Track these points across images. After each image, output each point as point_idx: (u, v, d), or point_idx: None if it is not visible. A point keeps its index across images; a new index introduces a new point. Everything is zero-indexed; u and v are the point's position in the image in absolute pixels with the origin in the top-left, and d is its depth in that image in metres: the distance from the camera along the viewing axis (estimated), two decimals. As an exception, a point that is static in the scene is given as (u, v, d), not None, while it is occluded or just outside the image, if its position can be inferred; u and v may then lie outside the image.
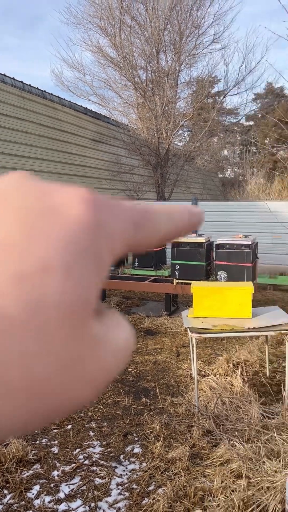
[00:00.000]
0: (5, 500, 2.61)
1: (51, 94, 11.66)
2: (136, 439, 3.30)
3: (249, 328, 3.71)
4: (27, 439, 3.29)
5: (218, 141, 21.21)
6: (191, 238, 7.40)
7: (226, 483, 2.61)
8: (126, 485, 2.76)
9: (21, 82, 10.42)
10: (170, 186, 14.79)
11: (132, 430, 3.43)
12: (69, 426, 3.50)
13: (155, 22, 13.68)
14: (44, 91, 11.35)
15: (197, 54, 15.12)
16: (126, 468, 2.95)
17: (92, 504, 2.58)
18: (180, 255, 7.33)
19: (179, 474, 2.76)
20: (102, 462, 3.01)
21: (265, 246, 9.67)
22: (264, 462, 2.76)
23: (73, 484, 2.78)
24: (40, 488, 2.74)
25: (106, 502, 2.60)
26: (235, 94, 16.92)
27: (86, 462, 3.02)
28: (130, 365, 4.83)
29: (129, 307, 7.50)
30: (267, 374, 4.49)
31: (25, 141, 10.07)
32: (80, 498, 2.65)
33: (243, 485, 2.56)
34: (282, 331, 3.67)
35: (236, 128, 26.87)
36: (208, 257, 7.36)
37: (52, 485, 2.77)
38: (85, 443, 3.25)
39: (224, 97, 16.74)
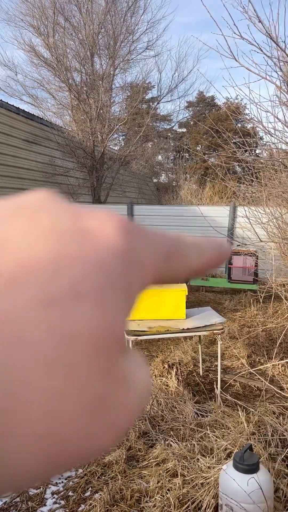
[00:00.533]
0: None
1: (-19, 91, 11.19)
2: (72, 445, 3.25)
3: (183, 329, 3.81)
4: None
5: (153, 146, 21.59)
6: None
7: (162, 483, 2.65)
8: (61, 493, 2.70)
9: None
10: (106, 189, 14.79)
11: (67, 437, 3.37)
12: (1, 437, 3.36)
13: (89, 25, 13.65)
14: (-27, 88, 10.87)
15: (131, 59, 15.30)
16: (62, 475, 2.89)
17: (26, 516, 2.50)
18: (116, 259, 7.34)
19: (116, 478, 2.76)
20: (36, 471, 2.93)
21: (198, 249, 9.96)
22: (198, 459, 2.84)
23: (5, 496, 2.67)
24: None
25: (41, 512, 2.53)
26: (169, 101, 17.38)
27: (20, 473, 2.91)
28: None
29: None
30: (201, 373, 4.63)
31: None
32: (14, 510, 2.55)
33: (178, 483, 2.61)
34: (215, 331, 3.80)
35: (169, 134, 27.53)
36: (143, 260, 7.45)
37: (-18, 500, 2.64)
38: (18, 454, 3.14)
39: (158, 103, 17.10)
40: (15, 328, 0.15)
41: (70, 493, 2.69)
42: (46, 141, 14.30)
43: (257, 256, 7.56)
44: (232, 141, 5.19)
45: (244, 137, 4.79)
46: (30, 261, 0.16)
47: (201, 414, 3.53)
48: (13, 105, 12.77)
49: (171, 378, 4.13)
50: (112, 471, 2.83)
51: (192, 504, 2.46)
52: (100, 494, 2.59)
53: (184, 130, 31.02)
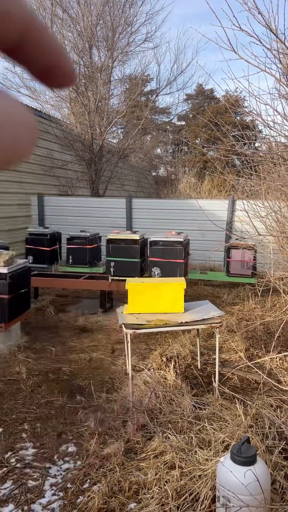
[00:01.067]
0: None
1: (-22, 83, 11.11)
2: (70, 438, 3.27)
3: (181, 322, 3.82)
4: None
5: (151, 139, 21.50)
6: (126, 235, 7.44)
7: (160, 475, 2.67)
8: (60, 485, 2.72)
9: None
10: (105, 182, 14.74)
11: (66, 429, 3.38)
12: (0, 429, 3.38)
13: (88, 17, 13.52)
14: (-29, 80, 10.79)
15: (130, 51, 15.18)
16: (61, 467, 2.91)
17: (25, 507, 2.51)
18: (115, 252, 7.35)
19: (114, 470, 2.78)
20: (35, 463, 2.95)
21: (196, 243, 9.97)
22: (196, 451, 2.86)
23: (4, 488, 2.69)
24: None
25: (40, 504, 2.55)
26: (167, 94, 17.27)
27: (19, 465, 2.93)
28: (64, 363, 4.77)
29: (63, 305, 7.38)
30: (199, 367, 4.65)
31: None
32: (12, 502, 2.57)
33: (176, 475, 2.63)
34: (213, 325, 3.81)
35: (168, 127, 27.40)
36: (142, 253, 7.45)
37: (-18, 492, 2.66)
38: (17, 446, 3.16)
39: (157, 96, 16.99)
40: None
41: (69, 485, 2.71)
42: (44, 134, 14.23)
43: (256, 249, 7.56)
44: (231, 134, 5.16)
45: (243, 130, 4.77)
46: None
47: (199, 407, 3.55)
48: (11, 98, 12.69)
49: (169, 371, 4.14)
50: (111, 463, 2.85)
51: (189, 496, 2.48)
52: (99, 486, 2.61)
53: (183, 123, 30.87)
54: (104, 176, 14.73)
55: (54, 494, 2.64)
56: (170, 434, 3.11)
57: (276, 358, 4.63)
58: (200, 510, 2.38)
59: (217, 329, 3.85)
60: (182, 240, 7.05)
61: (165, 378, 4.07)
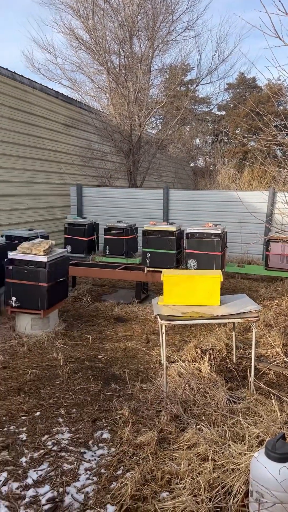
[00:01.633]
0: (-29, 488, 2.59)
1: (22, 76, 11.32)
2: (105, 424, 3.33)
3: (217, 316, 3.79)
4: (-5, 426, 3.26)
5: (190, 129, 21.23)
6: (162, 227, 7.43)
7: (193, 466, 2.68)
8: (94, 470, 2.78)
9: (-10, 62, 10.07)
10: (142, 174, 14.74)
11: (101, 416, 3.45)
12: (38, 413, 3.49)
13: (129, 6, 13.45)
14: (14, 72, 11.01)
15: (171, 40, 14.99)
16: (95, 453, 2.97)
17: (61, 489, 2.59)
18: (151, 243, 7.36)
19: (147, 459, 2.81)
20: (70, 448, 3.03)
21: (234, 235, 9.82)
22: (229, 445, 2.85)
23: (41, 470, 2.79)
24: (7, 475, 2.73)
25: (75, 487, 2.62)
26: (208, 83, 16.90)
27: (55, 448, 3.02)
28: (99, 352, 4.85)
29: (99, 295, 7.48)
30: (234, 360, 4.61)
31: (-6, 124, 9.78)
32: (48, 483, 2.65)
33: (209, 467, 2.63)
34: (249, 319, 3.76)
35: (208, 117, 26.96)
36: (178, 245, 7.42)
37: (20, 471, 2.76)
38: (53, 430, 3.25)
39: (197, 85, 16.74)
40: None
41: (103, 470, 2.77)
42: (84, 125, 14.37)
43: (296, 243, 7.36)
44: (273, 124, 5.02)
45: (286, 120, 4.63)
46: None
47: (233, 401, 3.52)
48: (52, 89, 12.86)
49: (203, 364, 4.13)
50: (144, 451, 2.89)
51: (222, 489, 2.47)
52: (132, 473, 2.65)
53: (223, 112, 30.31)
54: (142, 167, 14.73)
55: (88, 479, 2.70)
56: (203, 426, 3.10)
57: (315, 355, 4.51)
58: (232, 503, 2.38)
59: (254, 323, 3.80)
60: (219, 232, 6.96)
61: (200, 371, 4.06)
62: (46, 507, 2.45)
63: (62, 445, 3.05)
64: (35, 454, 2.95)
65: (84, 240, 9.09)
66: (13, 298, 5.19)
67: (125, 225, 8.82)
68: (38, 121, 11.72)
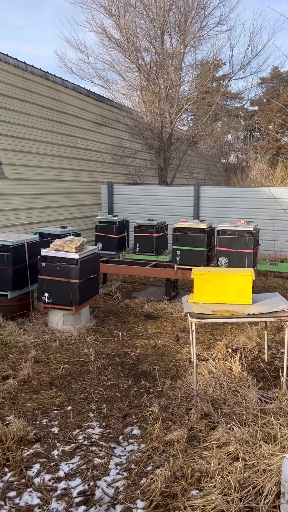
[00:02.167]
0: (5, 478, 2.67)
1: (54, 75, 11.50)
2: (135, 421, 3.35)
3: (249, 314, 3.74)
4: (28, 419, 3.34)
5: (222, 125, 20.98)
6: (193, 224, 7.38)
7: (223, 465, 2.66)
8: (124, 465, 2.81)
9: (24, 62, 10.28)
10: (173, 171, 14.69)
11: (131, 412, 3.48)
12: (69, 407, 3.55)
13: (160, 3, 13.40)
14: (47, 72, 11.20)
15: (202, 36, 14.84)
16: (125, 449, 3.00)
17: (91, 483, 2.63)
18: (182, 241, 7.33)
19: (177, 456, 2.81)
20: (101, 442, 3.07)
21: (266, 232, 9.65)
22: (260, 445, 2.81)
23: (72, 463, 2.84)
24: (40, 466, 2.79)
25: (105, 481, 2.66)
26: (240, 78, 16.64)
27: (86, 442, 3.07)
28: (130, 348, 4.88)
29: (129, 292, 7.53)
30: (266, 360, 4.54)
31: (28, 123, 9.98)
32: (79, 477, 2.70)
33: (239, 467, 2.61)
34: (282, 318, 3.69)
35: (240, 112, 26.54)
36: (209, 243, 7.36)
37: (52, 464, 2.82)
38: (84, 424, 3.30)
39: (229, 81, 16.49)
40: None
41: (133, 466, 2.79)
42: (115, 123, 14.45)
43: None
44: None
45: None
46: None
47: (265, 401, 3.47)
48: (84, 88, 13.00)
49: (234, 363, 4.09)
50: (174, 449, 2.89)
51: (253, 489, 2.45)
52: (161, 470, 2.66)
53: (256, 108, 29.76)
54: (172, 164, 14.68)
55: (118, 473, 2.73)
56: (234, 425, 3.08)
57: None
58: (263, 504, 2.35)
59: (287, 322, 3.72)
60: (251, 229, 6.85)
61: (230, 369, 4.02)
62: (77, 499, 2.50)
63: (93, 440, 3.10)
64: (67, 448, 3.00)
65: (114, 237, 9.16)
66: (46, 294, 5.29)
67: (155, 222, 8.82)
68: (70, 120, 11.88)
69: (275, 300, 4.11)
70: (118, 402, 3.66)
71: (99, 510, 2.42)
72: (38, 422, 3.33)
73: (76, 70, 15.00)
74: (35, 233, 7.23)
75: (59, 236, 7.02)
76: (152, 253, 8.73)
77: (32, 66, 10.62)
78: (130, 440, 3.09)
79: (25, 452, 2.93)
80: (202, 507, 2.34)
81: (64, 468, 2.78)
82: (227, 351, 4.49)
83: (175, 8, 13.79)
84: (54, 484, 2.63)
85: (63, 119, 11.55)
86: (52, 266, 5.27)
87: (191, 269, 4.37)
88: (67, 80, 12.11)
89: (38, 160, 10.16)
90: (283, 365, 3.89)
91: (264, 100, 27.57)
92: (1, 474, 2.70)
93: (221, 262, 6.94)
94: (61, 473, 2.73)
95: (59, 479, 2.67)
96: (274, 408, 3.31)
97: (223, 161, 26.97)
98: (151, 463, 2.80)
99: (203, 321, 3.67)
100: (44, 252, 5.36)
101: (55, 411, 3.50)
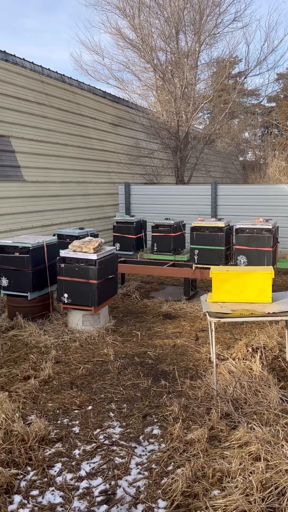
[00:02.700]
0: (28, 477, 2.70)
1: (70, 78, 11.60)
2: (155, 420, 3.35)
3: (269, 313, 3.70)
4: (49, 418, 3.38)
5: (239, 123, 20.80)
6: (211, 223, 7.34)
7: (245, 465, 2.64)
8: (145, 465, 2.81)
9: (40, 66, 10.40)
10: (190, 169, 14.63)
11: (151, 412, 3.48)
12: (90, 407, 3.58)
13: (175, 1, 13.37)
14: (63, 75, 11.30)
15: (218, 33, 14.73)
16: (146, 448, 3.00)
17: (113, 482, 2.65)
18: (199, 240, 7.30)
19: (198, 456, 2.80)
20: (122, 442, 3.08)
21: (286, 230, 9.52)
22: (282, 445, 2.78)
23: (93, 462, 2.86)
24: (62, 466, 2.82)
25: (126, 480, 2.67)
26: (257, 75, 16.51)
27: (106, 442, 3.09)
28: (149, 348, 4.88)
29: (148, 292, 7.53)
30: (287, 359, 4.48)
31: (45, 126, 10.09)
32: (101, 476, 2.72)
33: (261, 467, 2.58)
34: (303, 316, 3.63)
35: (257, 109, 26.25)
36: (227, 241, 7.31)
37: (73, 463, 2.85)
38: (105, 424, 3.32)
39: (245, 78, 16.33)
40: None
41: (154, 466, 2.79)
42: (131, 123, 14.48)
43: None
44: None
45: None
46: None
47: (286, 400, 3.43)
48: (100, 89, 13.07)
49: (255, 362, 4.05)
50: (194, 448, 2.88)
51: (275, 490, 2.42)
52: (182, 470, 2.66)
53: (273, 104, 29.38)
54: (189, 163, 14.62)
55: (139, 473, 2.74)
56: (255, 425, 3.05)
57: None
58: (286, 505, 2.32)
59: (308, 321, 3.67)
60: (270, 227, 6.78)
61: (251, 369, 3.99)
62: (99, 499, 2.51)
63: (114, 439, 3.11)
64: (88, 447, 3.02)
65: (132, 237, 9.18)
66: (65, 295, 5.34)
67: (172, 222, 8.81)
68: (86, 122, 11.96)
69: (295, 299, 4.06)
70: (138, 401, 3.66)
71: (120, 509, 2.43)
72: (59, 421, 3.36)
73: (92, 72, 15.10)
74: (54, 235, 7.31)
75: (77, 237, 7.08)
76: (169, 253, 8.72)
77: (49, 69, 10.74)
78: (151, 440, 3.10)
79: (47, 451, 2.96)
80: (224, 507, 2.32)
81: (86, 468, 2.80)
82: (247, 351, 4.45)
83: (189, 7, 13.73)
84: (76, 483, 2.65)
85: (80, 121, 11.63)
86: (71, 267, 5.32)
87: (209, 268, 4.35)
88: (83, 82, 12.19)
89: (55, 162, 10.27)
90: (304, 364, 3.84)
91: (282, 96, 27.20)
92: (24, 473, 2.74)
93: (240, 260, 6.88)
94: (82, 473, 2.75)
95: (80, 478, 2.70)
96: (296, 408, 3.26)
97: (241, 158, 26.72)
98: (172, 463, 2.79)
99: (222, 320, 3.65)
100: (63, 253, 5.42)
101: (75, 411, 3.53)
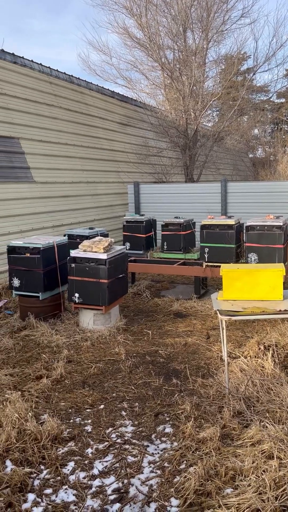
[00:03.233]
0: (41, 475, 2.72)
1: (78, 78, 11.64)
2: (167, 419, 3.36)
3: (280, 310, 3.67)
4: (62, 417, 3.40)
5: (248, 120, 20.67)
6: (221, 220, 7.31)
7: (257, 464, 2.63)
8: (158, 463, 2.82)
9: (49, 67, 10.45)
10: (199, 168, 14.59)
11: (163, 411, 3.48)
12: (102, 406, 3.59)
13: (182, -1, 13.33)
14: (71, 75, 11.34)
15: (226, 30, 14.66)
16: (158, 447, 3.01)
17: (125, 481, 2.65)
18: (210, 238, 7.27)
19: (210, 454, 2.80)
20: (134, 440, 3.09)
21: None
22: (295, 443, 2.75)
23: (106, 461, 2.87)
24: (74, 464, 2.84)
25: (139, 479, 2.67)
26: (266, 71, 16.40)
27: (119, 440, 3.09)
28: (160, 347, 4.88)
29: (158, 290, 7.53)
30: (299, 357, 4.44)
31: (54, 127, 10.14)
32: (114, 474, 2.73)
33: (274, 465, 2.57)
34: (315, 313, 3.60)
35: (266, 106, 26.06)
36: (238, 239, 7.27)
37: (86, 462, 2.86)
38: (117, 422, 3.33)
39: (254, 74, 16.21)
40: None
41: (166, 464, 2.79)
42: (140, 122, 14.48)
43: None
44: None
45: None
46: None
47: (299, 398, 3.40)
48: (108, 89, 13.09)
49: (267, 360, 4.02)
50: (207, 447, 2.87)
51: (288, 488, 2.40)
52: (195, 468, 2.65)
53: (283, 100, 29.11)
54: (198, 161, 14.58)
55: (152, 471, 2.74)
56: (268, 423, 3.03)
57: None
58: (300, 503, 2.30)
59: None
60: (281, 224, 6.73)
61: (263, 367, 3.96)
62: (112, 497, 2.52)
63: (126, 438, 3.12)
64: (100, 446, 3.04)
65: (142, 236, 9.19)
66: (76, 295, 5.37)
67: (182, 220, 8.79)
68: (95, 122, 11.99)
69: (307, 296, 4.02)
70: (150, 400, 3.67)
71: (133, 507, 2.43)
72: (71, 420, 3.38)
73: (100, 72, 15.16)
74: (64, 235, 7.35)
75: (87, 237, 7.11)
76: (180, 251, 8.70)
77: (57, 70, 10.79)
78: (163, 438, 3.10)
79: (59, 450, 2.98)
80: (237, 505, 2.32)
81: (98, 466, 2.81)
82: (259, 348, 4.42)
83: (196, 4, 13.69)
84: (89, 482, 2.66)
85: (89, 121, 11.67)
86: (82, 267, 5.34)
87: (219, 266, 4.33)
88: (91, 82, 12.22)
89: (65, 163, 10.31)
90: None
91: (291, 92, 26.92)
92: (37, 471, 2.76)
93: (251, 258, 6.84)
94: (95, 471, 2.76)
95: (93, 477, 2.71)
96: (309, 405, 3.24)
97: (250, 155, 26.55)
98: (184, 461, 2.79)
99: (234, 318, 3.64)
100: (73, 253, 5.44)
101: (88, 410, 3.54)
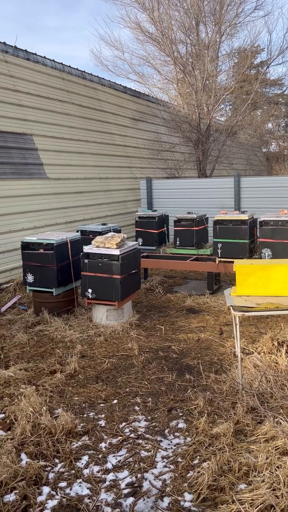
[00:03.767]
0: (56, 469, 2.76)
1: (91, 74, 11.63)
2: (180, 414, 3.36)
3: (294, 306, 3.64)
4: (76, 412, 3.43)
5: (262, 114, 20.44)
6: (234, 216, 7.26)
7: (271, 460, 2.62)
8: (171, 458, 2.83)
9: (61, 63, 10.46)
10: (212, 162, 14.49)
11: (176, 406, 3.49)
12: (115, 401, 3.61)
13: (194, -8, 13.21)
14: (84, 71, 11.34)
15: (239, 23, 14.49)
16: (171, 442, 3.02)
17: (139, 475, 2.67)
18: (223, 233, 7.23)
19: (224, 450, 2.80)
20: (147, 435, 3.10)
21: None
22: (310, 440, 2.74)
23: (120, 455, 2.89)
24: (88, 458, 2.86)
25: (152, 473, 2.68)
26: (280, 64, 16.21)
27: (132, 435, 3.11)
28: (173, 342, 4.89)
29: (171, 286, 7.53)
30: (314, 353, 4.40)
31: (67, 123, 10.17)
32: (127, 469, 2.75)
33: (288, 462, 2.55)
34: None
35: (280, 99, 25.72)
36: (251, 234, 7.22)
37: (100, 456, 2.89)
38: (130, 417, 3.35)
39: (268, 67, 16.02)
40: None
41: (179, 459, 2.80)
42: (152, 117, 14.43)
43: None
44: None
45: None
46: None
47: (313, 395, 3.37)
48: (120, 85, 13.06)
49: (281, 356, 4.00)
50: (220, 442, 2.87)
51: (303, 485, 2.39)
52: (208, 463, 2.66)
53: (297, 93, 28.69)
54: (211, 156, 14.48)
55: (165, 466, 2.75)
56: (281, 419, 3.02)
57: None
58: (314, 500, 2.29)
59: None
60: (295, 219, 6.65)
61: (276, 363, 3.94)
62: (125, 491, 2.54)
63: (139, 433, 3.14)
64: (114, 440, 3.06)
65: (154, 232, 9.18)
66: (89, 290, 5.40)
67: (195, 215, 8.75)
68: (108, 118, 11.99)
69: None
70: (163, 395, 3.68)
71: (147, 501, 2.45)
72: (85, 415, 3.41)
73: (112, 68, 15.13)
74: (77, 231, 7.38)
75: (100, 233, 7.13)
76: (192, 247, 8.67)
77: (69, 66, 10.80)
78: (176, 434, 3.11)
79: (73, 444, 3.01)
80: (250, 501, 2.31)
81: (112, 460, 2.83)
82: (273, 344, 4.39)
83: (209, -3, 13.54)
84: (103, 476, 2.69)
85: (101, 117, 11.67)
86: (95, 263, 5.36)
87: (233, 262, 4.31)
88: (103, 78, 12.21)
89: (77, 159, 10.34)
90: None
91: (306, 85, 26.52)
92: (51, 465, 2.80)
93: (265, 253, 6.79)
94: (109, 465, 2.79)
95: (107, 471, 2.73)
96: None
97: (264, 150, 26.28)
98: (198, 457, 2.80)
99: (247, 314, 3.62)
100: (86, 249, 5.46)
101: (101, 405, 3.57)
